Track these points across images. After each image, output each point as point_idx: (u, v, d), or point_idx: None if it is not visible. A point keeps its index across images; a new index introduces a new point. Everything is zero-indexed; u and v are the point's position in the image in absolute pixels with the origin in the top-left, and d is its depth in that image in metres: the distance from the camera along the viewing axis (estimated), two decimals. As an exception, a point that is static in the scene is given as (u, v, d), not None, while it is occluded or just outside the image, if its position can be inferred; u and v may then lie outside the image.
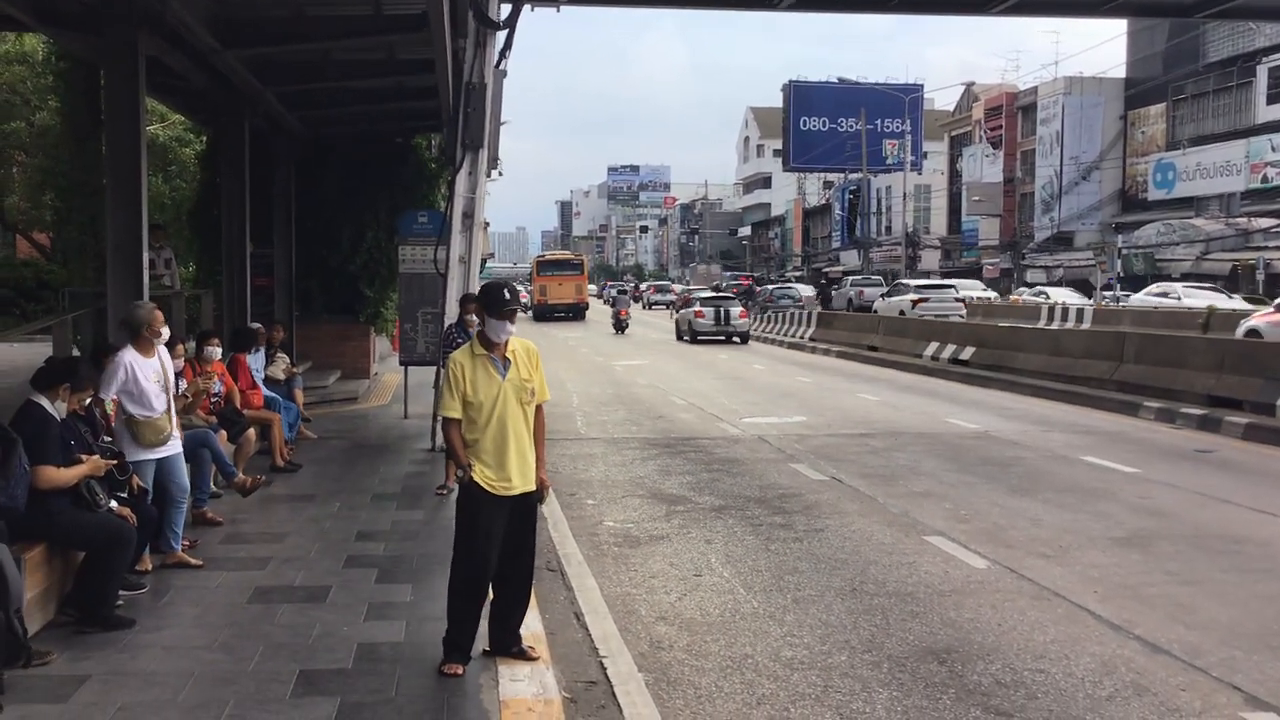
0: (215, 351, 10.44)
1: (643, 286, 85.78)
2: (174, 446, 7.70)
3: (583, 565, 8.21)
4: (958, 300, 37.31)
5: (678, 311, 43.81)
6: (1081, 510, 9.95)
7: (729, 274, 79.76)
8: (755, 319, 40.87)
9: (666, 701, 5.63)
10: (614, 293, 56.35)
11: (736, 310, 37.56)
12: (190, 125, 24.33)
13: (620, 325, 43.50)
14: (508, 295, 5.84)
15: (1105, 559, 8.27)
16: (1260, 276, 44.61)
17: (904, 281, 43.96)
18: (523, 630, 5.99)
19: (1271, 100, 50.34)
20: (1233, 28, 51.40)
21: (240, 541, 8.44)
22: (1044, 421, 15.97)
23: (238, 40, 12.41)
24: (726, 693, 5.73)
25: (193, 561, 7.60)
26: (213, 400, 10.23)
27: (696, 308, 37.96)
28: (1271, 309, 23.56)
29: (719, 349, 33.46)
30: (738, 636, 6.58)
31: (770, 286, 59.65)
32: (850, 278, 53.85)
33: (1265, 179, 49.23)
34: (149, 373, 7.55)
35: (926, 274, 68.75)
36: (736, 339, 36.89)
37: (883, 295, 40.85)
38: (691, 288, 59.67)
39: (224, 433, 9.88)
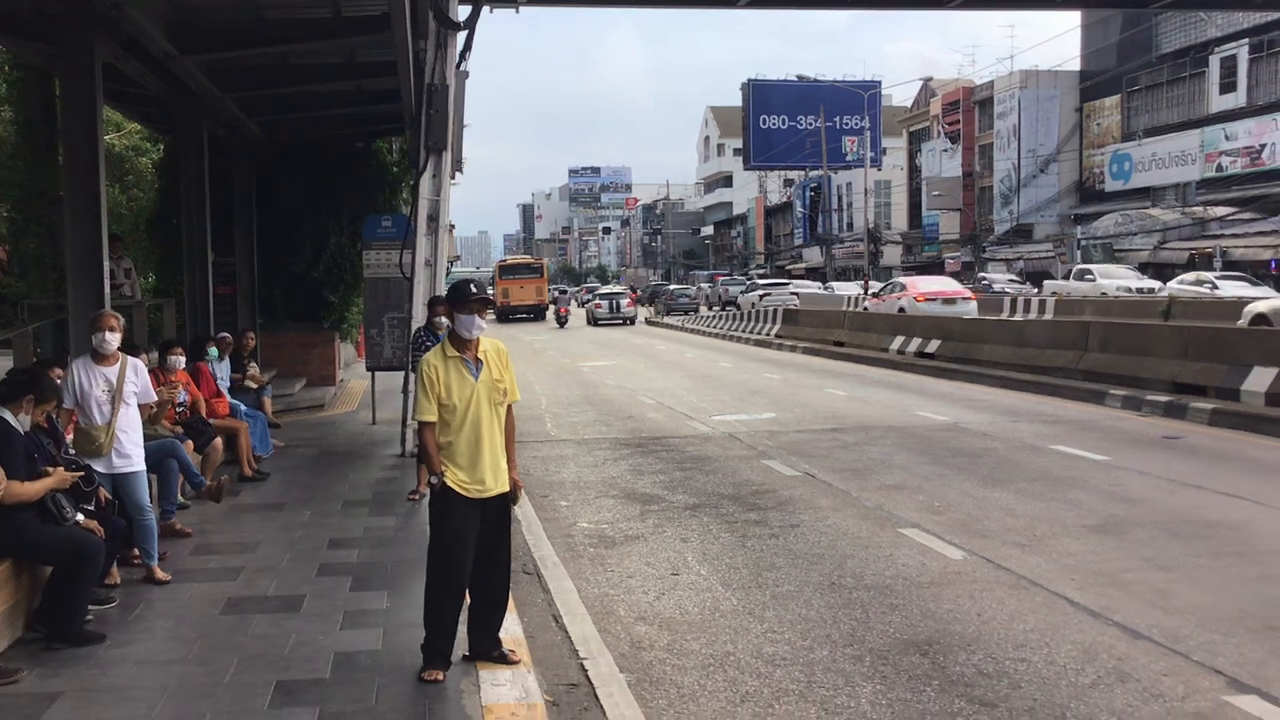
0: (179, 361, 10.32)
1: (578, 289, 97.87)
2: (131, 464, 7.53)
3: (559, 567, 8.15)
4: (793, 294, 49.82)
5: (584, 305, 58.10)
6: (1054, 499, 9.99)
7: (703, 273, 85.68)
8: (662, 313, 57.51)
9: (650, 702, 5.58)
10: (555, 293, 64.31)
11: (625, 301, 54.48)
12: (147, 134, 24.00)
13: (561, 320, 52.46)
14: (473, 289, 5.80)
15: (1080, 547, 8.30)
16: (1217, 265, 45.13)
17: (755, 281, 60.55)
18: (502, 634, 5.93)
19: (1224, 90, 50.96)
20: (1185, 19, 52.04)
21: (210, 552, 8.32)
22: (1012, 412, 16.05)
23: (195, 45, 12.26)
24: (710, 691, 5.69)
25: (160, 576, 7.46)
26: (178, 410, 10.10)
27: (596, 300, 55.49)
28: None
29: (686, 348, 33.61)
30: (718, 634, 6.54)
31: (671, 287, 72.46)
32: (720, 278, 71.82)
33: (1220, 168, 49.83)
34: (98, 380, 7.43)
35: (889, 269, 69.27)
36: (625, 321, 52.42)
37: (741, 292, 55.59)
38: (612, 289, 68.22)
39: (190, 443, 9.74)
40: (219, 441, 10.47)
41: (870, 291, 40.07)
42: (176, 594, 7.21)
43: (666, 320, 51.63)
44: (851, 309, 36.91)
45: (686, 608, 7.10)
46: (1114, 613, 6.69)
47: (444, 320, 7.82)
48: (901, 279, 38.48)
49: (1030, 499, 10.01)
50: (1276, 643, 6.11)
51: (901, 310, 30.83)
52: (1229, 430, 13.80)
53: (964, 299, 31.96)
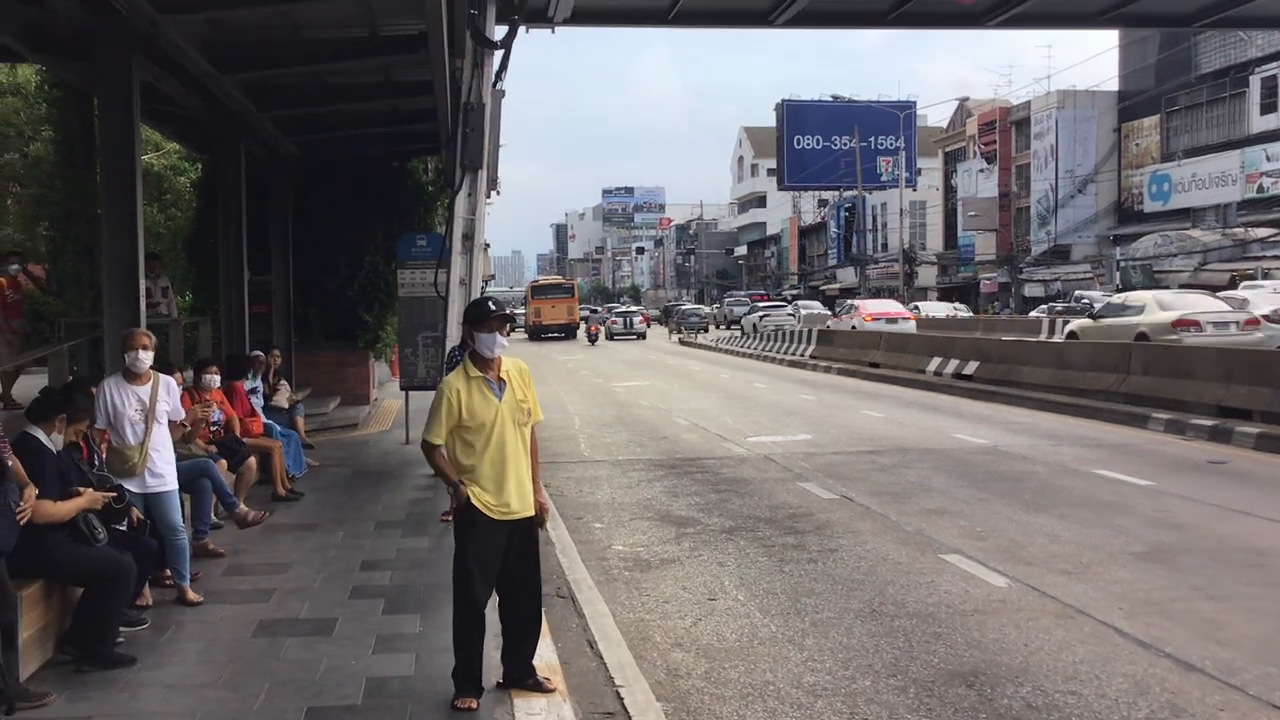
0: (213, 380, 10.29)
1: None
2: (164, 484, 7.48)
3: (593, 591, 8.02)
4: (789, 315, 52.22)
5: (604, 323, 61.47)
6: (1099, 525, 9.76)
7: (741, 293, 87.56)
8: (675, 332, 62.60)
9: (687, 732, 5.44)
10: (586, 313, 69.44)
11: (638, 319, 63.09)
12: (185, 154, 24.22)
13: (592, 338, 55.76)
14: (492, 306, 5.65)
15: (1128, 574, 8.08)
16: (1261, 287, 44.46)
17: (758, 305, 66.10)
18: (536, 661, 5.81)
19: (1265, 110, 50.40)
20: (1224, 39, 51.56)
21: (243, 573, 8.25)
22: (1052, 435, 15.79)
23: (233, 64, 12.28)
24: (749, 722, 5.54)
25: (192, 597, 7.39)
26: (212, 429, 10.07)
27: (612, 318, 63.64)
28: None
29: (720, 368, 33.47)
30: (757, 662, 6.39)
31: (683, 307, 77.20)
32: (728, 297, 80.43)
33: (1261, 189, 49.24)
34: (130, 399, 7.39)
35: (924, 290, 68.95)
36: (637, 336, 59.78)
37: (745, 313, 61.77)
38: (628, 308, 76.79)
39: (224, 462, 9.70)
40: (253, 461, 10.42)
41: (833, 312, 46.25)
42: (208, 616, 7.13)
43: (700, 340, 51.59)
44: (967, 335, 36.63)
45: (724, 634, 6.95)
46: (1165, 644, 6.49)
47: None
48: (853, 301, 45.52)
49: (1074, 525, 9.79)
50: (1337, 677, 5.89)
51: (854, 328, 36.17)
52: (1276, 455, 13.48)
53: (904, 319, 37.87)
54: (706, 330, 60.08)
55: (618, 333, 60.10)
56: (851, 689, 5.91)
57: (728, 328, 61.02)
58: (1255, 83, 50.96)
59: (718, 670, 6.28)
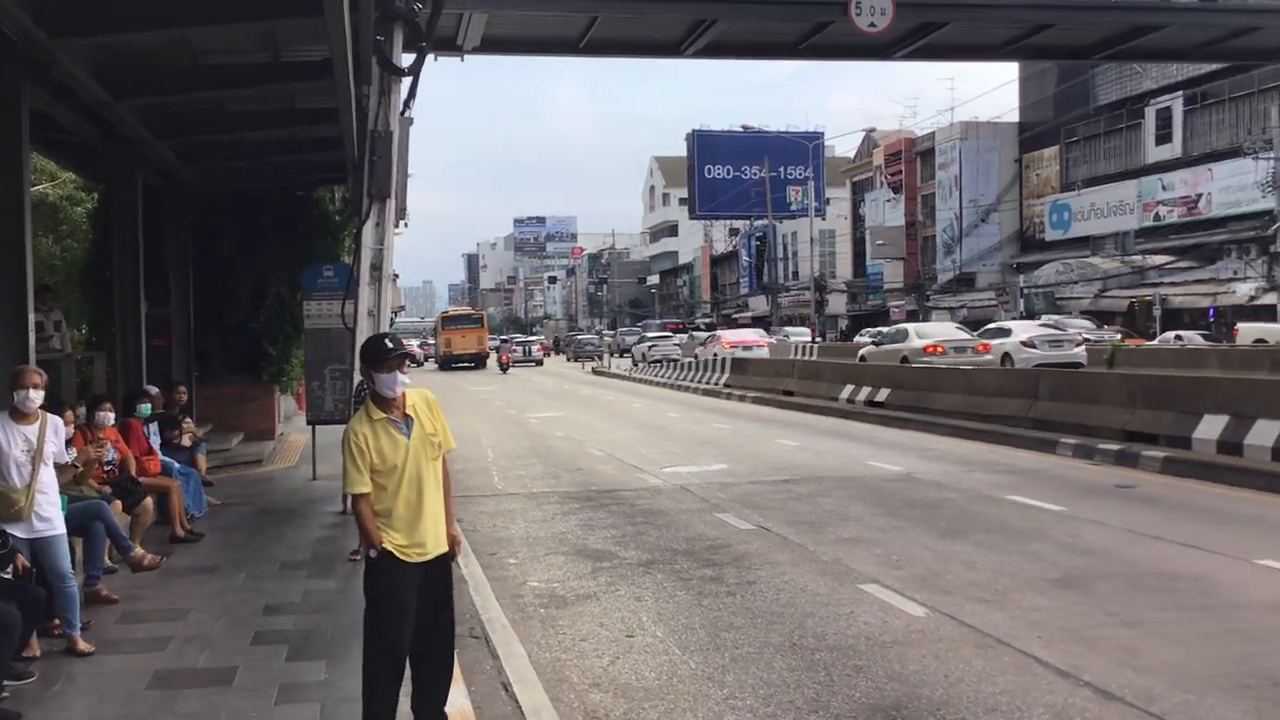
0: (108, 417, 9.87)
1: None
2: (51, 528, 7.10)
3: (508, 630, 7.79)
4: (675, 345, 54.51)
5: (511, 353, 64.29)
6: (1013, 551, 9.80)
7: (654, 321, 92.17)
8: (570, 359, 69.77)
9: (606, 778, 5.24)
10: (498, 342, 70.92)
11: (535, 348, 69.22)
12: (81, 184, 23.49)
13: (503, 367, 58.78)
14: (389, 344, 5.38)
15: (1044, 601, 8.08)
16: (1157, 313, 45.81)
17: (645, 335, 67.75)
18: (449, 707, 5.57)
19: (1160, 141, 52.08)
20: (1120, 71, 53.22)
21: (138, 620, 7.87)
22: (965, 461, 15.93)
23: (129, 91, 11.88)
24: (670, 765, 5.36)
25: (83, 647, 7.01)
26: (106, 469, 9.64)
27: (511, 346, 66.47)
28: None
29: (634, 398, 33.41)
30: (677, 701, 6.22)
31: (579, 336, 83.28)
32: (623, 329, 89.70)
33: (1158, 217, 50.79)
34: (16, 439, 7.02)
35: (835, 318, 69.81)
36: (535, 363, 65.24)
37: (635, 342, 65.24)
38: (526, 338, 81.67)
39: (119, 503, 9.29)
40: (149, 501, 10.01)
41: (698, 341, 50.48)
42: (100, 667, 6.77)
43: (614, 370, 51.61)
44: (801, 358, 38.74)
45: (643, 673, 6.77)
46: (1084, 672, 6.46)
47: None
48: (718, 332, 51.99)
49: (990, 551, 9.81)
50: (1250, 702, 5.90)
51: (715, 355, 38.76)
52: (1182, 479, 13.72)
53: (759, 346, 42.97)
54: (600, 358, 64.73)
55: (517, 360, 63.58)
56: (773, 727, 5.78)
57: (619, 355, 64.89)
58: (1150, 114, 52.66)
59: (637, 711, 6.10)
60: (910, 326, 34.40)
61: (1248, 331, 36.80)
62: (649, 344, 58.51)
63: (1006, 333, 30.61)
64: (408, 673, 5.46)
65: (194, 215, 18.29)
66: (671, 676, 6.68)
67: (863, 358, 31.32)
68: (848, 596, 8.39)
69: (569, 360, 69.56)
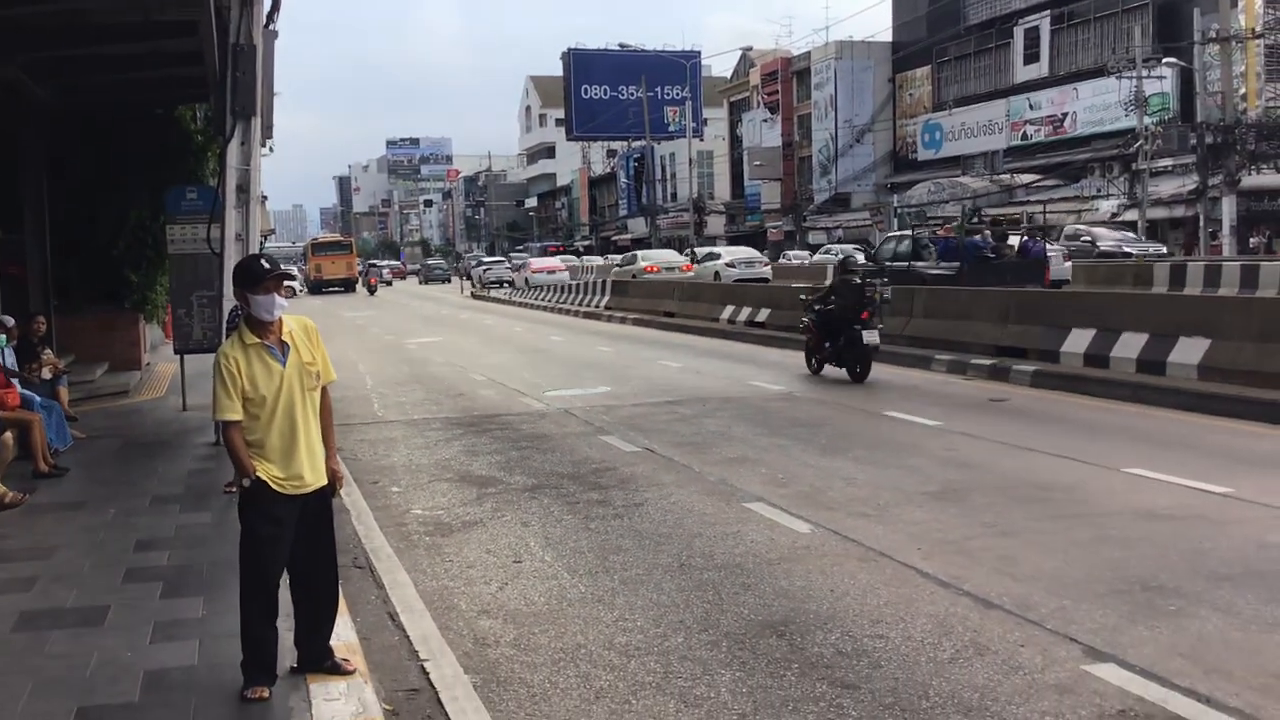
0: (-41, 349, 9.33)
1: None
2: None
3: (393, 559, 7.66)
4: (507, 269, 62.04)
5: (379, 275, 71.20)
6: (893, 466, 9.99)
7: (535, 244, 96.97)
8: (422, 280, 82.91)
9: (498, 704, 5.19)
10: (366, 267, 75.15)
11: (386, 272, 79.77)
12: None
13: (371, 289, 63.33)
14: (265, 265, 5.12)
15: (924, 515, 8.26)
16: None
17: (482, 260, 73.80)
18: (334, 640, 5.44)
19: (1029, 60, 53.09)
20: (991, -9, 53.92)
21: (1, 560, 7.51)
22: (844, 379, 16.14)
23: (-32, 0, 11.11)
24: (562, 689, 5.33)
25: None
26: (-41, 404, 9.14)
27: (379, 270, 73.77)
28: None
29: (515, 322, 33.20)
30: (567, 625, 6.19)
31: (430, 262, 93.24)
32: (471, 254, 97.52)
33: (1025, 136, 51.95)
34: None
35: (714, 239, 70.05)
36: (388, 284, 73.95)
37: (473, 266, 69.95)
38: (384, 264, 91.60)
39: (-26, 440, 8.82)
40: (9, 436, 9.53)
41: (516, 265, 61.13)
42: (-41, 611, 6.44)
43: (494, 295, 51.13)
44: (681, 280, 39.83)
45: (532, 598, 6.73)
46: (964, 582, 6.62)
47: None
48: (528, 259, 63.63)
49: (870, 467, 9.99)
50: (1125, 607, 6.11)
51: (526, 280, 49.86)
52: (1051, 391, 14.18)
53: (560, 270, 51.01)
54: (449, 281, 73.34)
55: (381, 281, 70.05)
56: (664, 647, 5.79)
57: (465, 278, 68.33)
58: (1019, 34, 53.59)
59: (527, 636, 6.06)
60: (638, 253, 47.61)
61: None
62: (484, 268, 64.69)
63: (716, 256, 40.62)
64: (290, 606, 5.31)
65: (48, 135, 17.30)
66: (561, 600, 6.65)
67: (614, 280, 37.52)
68: (734, 516, 8.45)
69: (421, 283, 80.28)
